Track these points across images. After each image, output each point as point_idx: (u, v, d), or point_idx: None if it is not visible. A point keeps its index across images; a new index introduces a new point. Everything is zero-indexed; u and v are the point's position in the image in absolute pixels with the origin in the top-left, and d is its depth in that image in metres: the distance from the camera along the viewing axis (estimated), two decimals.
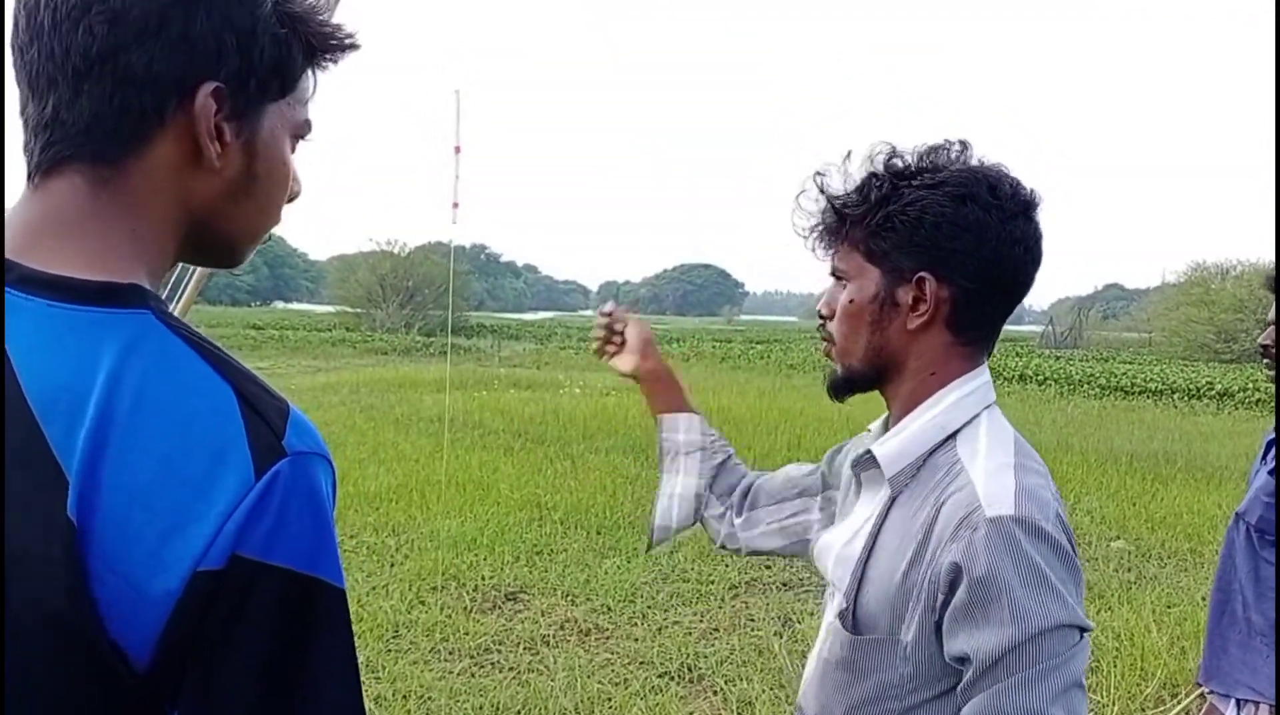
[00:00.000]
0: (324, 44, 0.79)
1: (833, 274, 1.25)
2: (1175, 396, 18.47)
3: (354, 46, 0.80)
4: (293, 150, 0.83)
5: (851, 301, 1.20)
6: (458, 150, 3.82)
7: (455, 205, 3.97)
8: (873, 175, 1.19)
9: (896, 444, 1.19)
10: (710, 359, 26.09)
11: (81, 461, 0.65)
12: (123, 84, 0.70)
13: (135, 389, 0.67)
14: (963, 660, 1.06)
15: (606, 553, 6.24)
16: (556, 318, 68.83)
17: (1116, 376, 20.88)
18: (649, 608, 5.25)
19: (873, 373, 1.22)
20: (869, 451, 1.21)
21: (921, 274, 1.15)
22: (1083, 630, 1.05)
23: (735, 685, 4.23)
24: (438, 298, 35.73)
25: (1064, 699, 1.02)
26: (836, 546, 1.24)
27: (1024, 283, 1.19)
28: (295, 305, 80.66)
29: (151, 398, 0.67)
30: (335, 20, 0.79)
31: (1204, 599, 5.60)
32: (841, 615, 1.18)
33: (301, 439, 0.70)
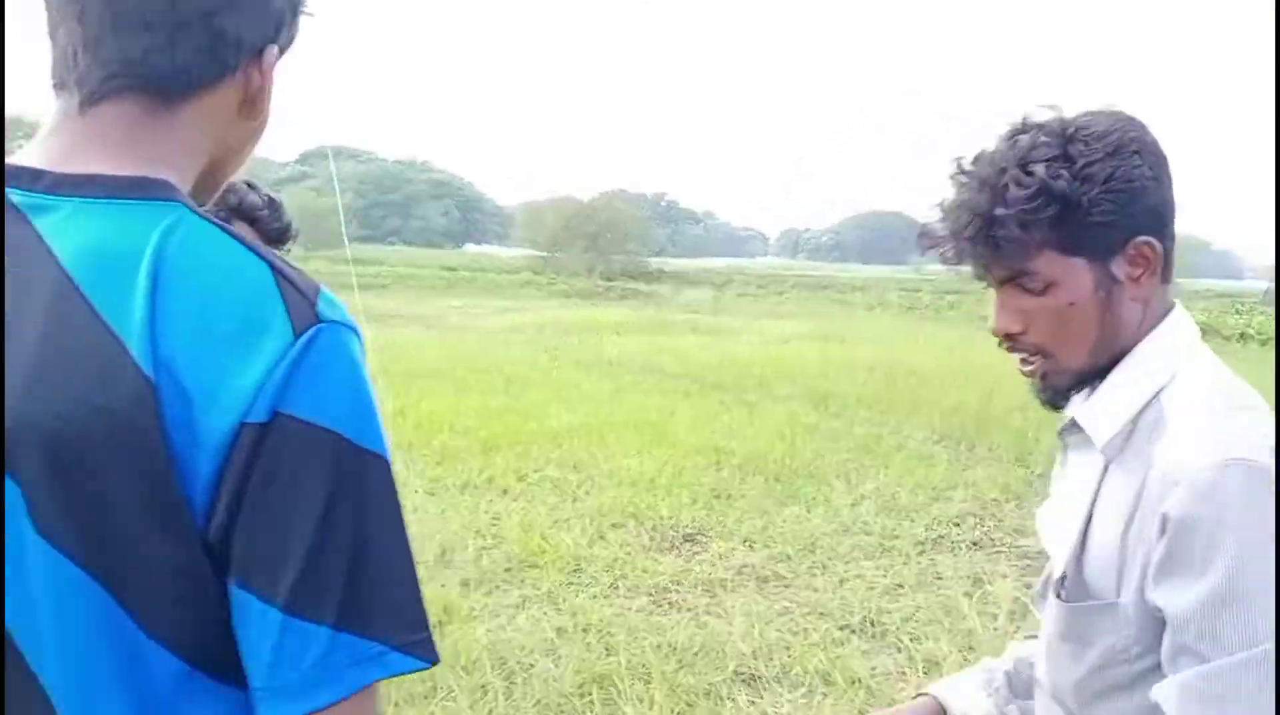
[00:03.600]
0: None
1: (1011, 284, 1.13)
2: None
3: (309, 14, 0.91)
4: None
5: (1072, 303, 1.11)
6: None
7: None
8: (1033, 170, 1.06)
9: (1101, 407, 1.13)
10: (896, 309, 25.31)
11: (140, 325, 0.69)
12: (216, 40, 0.78)
13: (177, 261, 0.72)
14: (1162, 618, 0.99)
15: (785, 501, 6.15)
16: (735, 264, 68.44)
17: None
18: (830, 559, 5.13)
19: (1107, 360, 1.14)
20: (1072, 419, 1.17)
21: (1143, 239, 1.09)
22: None
23: (921, 644, 4.07)
24: (620, 243, 36.22)
25: None
26: (1053, 519, 1.22)
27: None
28: (485, 248, 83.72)
29: (194, 268, 0.72)
30: None
31: None
32: (1057, 584, 1.15)
33: (333, 310, 0.74)
